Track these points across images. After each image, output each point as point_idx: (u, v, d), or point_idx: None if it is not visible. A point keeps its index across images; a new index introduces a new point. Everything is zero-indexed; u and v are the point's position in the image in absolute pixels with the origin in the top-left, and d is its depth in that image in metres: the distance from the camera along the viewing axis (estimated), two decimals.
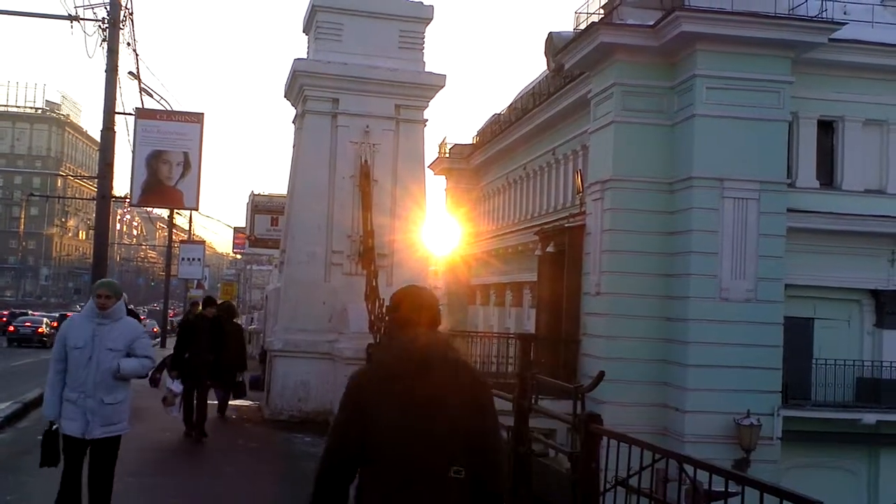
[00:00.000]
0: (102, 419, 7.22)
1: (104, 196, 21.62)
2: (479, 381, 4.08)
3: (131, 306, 16.01)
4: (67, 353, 7.33)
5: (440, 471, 3.75)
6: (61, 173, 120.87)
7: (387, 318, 4.27)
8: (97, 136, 23.31)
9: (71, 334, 7.43)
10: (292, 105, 20.63)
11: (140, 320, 16.28)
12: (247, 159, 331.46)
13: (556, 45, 26.22)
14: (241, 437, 13.89)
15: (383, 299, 15.31)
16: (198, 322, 14.35)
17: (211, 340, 14.12)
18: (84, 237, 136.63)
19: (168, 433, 13.86)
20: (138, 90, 28.25)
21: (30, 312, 59.20)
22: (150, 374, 13.28)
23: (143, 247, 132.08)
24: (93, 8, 20.92)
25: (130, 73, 27.07)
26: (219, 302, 18.10)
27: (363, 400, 3.84)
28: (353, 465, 3.85)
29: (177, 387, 13.42)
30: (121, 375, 7.34)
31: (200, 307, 15.62)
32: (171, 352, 14.79)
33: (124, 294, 17.18)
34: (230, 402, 17.04)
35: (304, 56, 19.56)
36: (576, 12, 25.79)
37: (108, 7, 20.75)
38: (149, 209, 49.79)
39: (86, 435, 7.18)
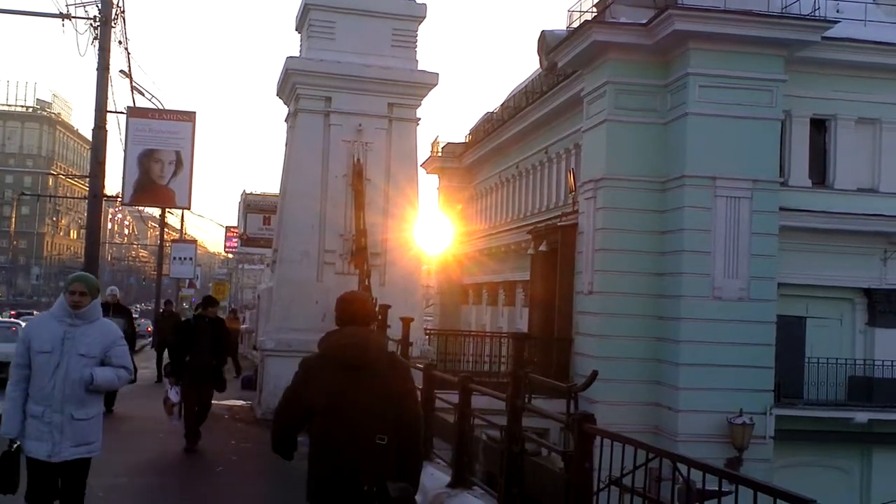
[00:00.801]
0: (72, 438, 6.27)
1: (96, 195, 21.54)
2: (399, 362, 5.42)
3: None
4: (32, 359, 6.34)
5: (369, 434, 4.95)
6: (53, 172, 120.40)
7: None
8: (89, 135, 23.25)
9: (36, 336, 6.42)
10: (284, 103, 20.56)
11: (132, 318, 16.11)
12: (239, 158, 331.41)
13: (549, 44, 26.21)
14: (234, 437, 13.79)
15: (376, 299, 15.27)
16: (198, 323, 13.23)
17: (213, 343, 12.95)
18: (75, 236, 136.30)
19: (161, 435, 13.53)
20: (130, 88, 28.28)
21: (35, 312, 59.03)
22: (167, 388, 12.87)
23: (135, 246, 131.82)
24: (84, 6, 20.87)
25: (122, 71, 27.10)
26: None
27: (309, 376, 5.14)
28: (298, 422, 5.16)
29: (174, 395, 12.49)
30: (94, 387, 6.36)
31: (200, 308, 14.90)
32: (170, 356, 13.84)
33: (117, 292, 15.76)
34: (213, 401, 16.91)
35: (297, 54, 19.47)
36: (568, 10, 25.86)
37: (99, 5, 20.68)
38: (140, 208, 49.68)
39: (52, 457, 6.22)
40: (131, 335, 15.69)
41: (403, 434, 5.08)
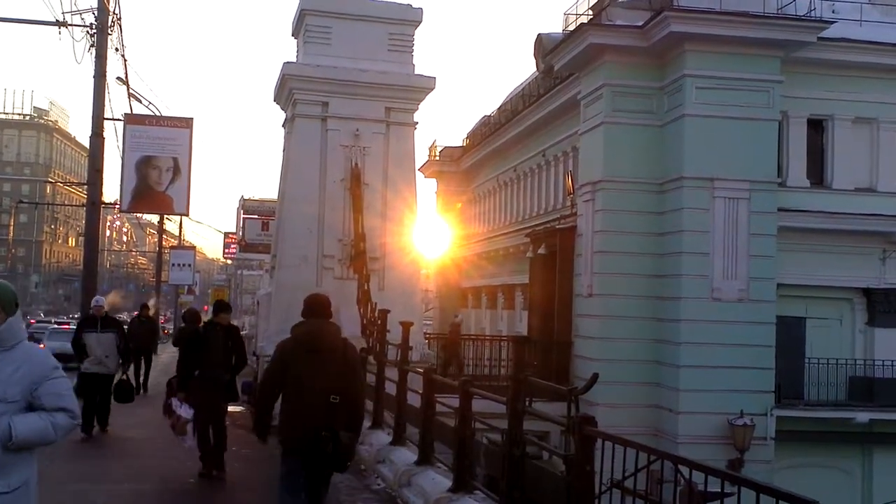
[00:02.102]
0: None
1: (94, 202, 21.58)
2: (351, 346, 7.25)
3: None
4: None
5: (325, 396, 6.82)
6: (50, 180, 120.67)
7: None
8: (86, 143, 23.27)
9: None
10: (282, 109, 20.58)
11: (124, 332, 14.98)
12: (237, 164, 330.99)
13: (546, 47, 26.23)
14: (234, 443, 13.74)
15: (375, 303, 15.28)
16: (208, 332, 11.41)
17: (226, 354, 11.20)
18: (74, 244, 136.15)
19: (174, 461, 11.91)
20: (127, 96, 28.24)
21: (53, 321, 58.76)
22: (165, 399, 11.53)
23: (134, 253, 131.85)
24: (80, 14, 20.89)
25: (119, 78, 27.05)
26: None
27: (284, 357, 7.06)
28: (277, 392, 7.06)
29: (186, 411, 11.08)
30: (15, 444, 4.34)
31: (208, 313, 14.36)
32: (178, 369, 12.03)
33: (103, 302, 14.35)
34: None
35: (294, 60, 19.50)
36: (565, 13, 25.81)
37: (95, 13, 20.70)
38: (139, 215, 49.65)
39: None
40: (125, 351, 14.69)
41: (350, 397, 6.97)
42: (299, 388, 6.86)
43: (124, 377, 15.01)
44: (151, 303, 28.56)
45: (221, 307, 12.09)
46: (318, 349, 6.96)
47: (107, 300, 16.18)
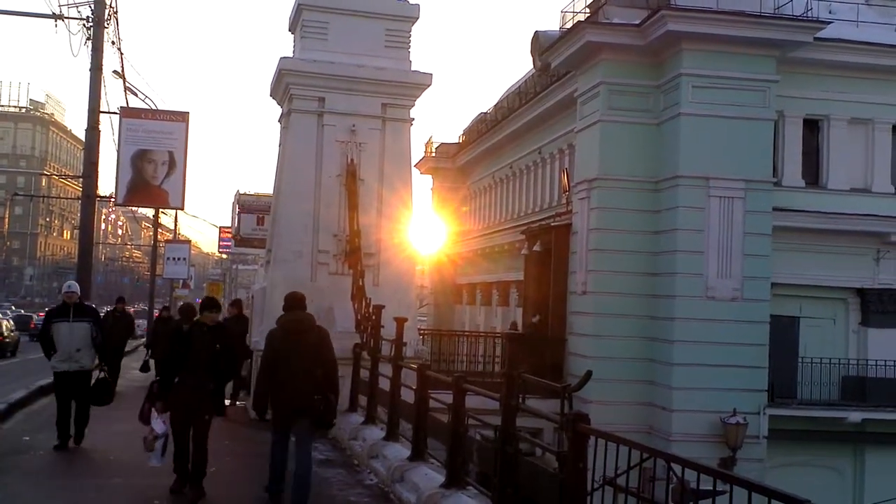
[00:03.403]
0: None
1: (89, 195, 21.53)
2: (325, 332, 9.30)
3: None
4: None
5: (307, 372, 8.83)
6: (46, 173, 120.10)
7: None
8: (82, 136, 23.21)
9: None
10: (278, 104, 20.56)
11: (99, 320, 12.72)
12: (232, 158, 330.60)
13: (543, 44, 26.23)
14: (227, 439, 13.69)
15: (370, 299, 15.28)
16: (194, 332, 9.75)
17: (212, 358, 9.57)
18: (69, 237, 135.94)
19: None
20: (123, 89, 28.21)
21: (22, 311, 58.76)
22: (143, 403, 9.92)
23: (129, 246, 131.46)
24: (77, 6, 20.85)
25: (115, 71, 27.08)
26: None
27: (274, 343, 9.06)
28: (273, 374, 8.90)
29: (159, 425, 9.53)
30: None
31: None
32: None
33: (76, 288, 12.56)
34: None
35: (290, 55, 19.48)
36: (562, 11, 25.84)
37: (92, 5, 20.67)
38: (134, 208, 49.61)
39: None
40: (101, 345, 12.31)
41: (326, 371, 9.01)
42: (287, 364, 8.85)
43: (102, 374, 12.52)
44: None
45: (208, 305, 10.27)
46: (300, 332, 9.03)
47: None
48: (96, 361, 12.46)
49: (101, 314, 20.96)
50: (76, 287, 12.62)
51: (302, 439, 9.04)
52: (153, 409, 9.68)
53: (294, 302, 9.33)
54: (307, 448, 9.08)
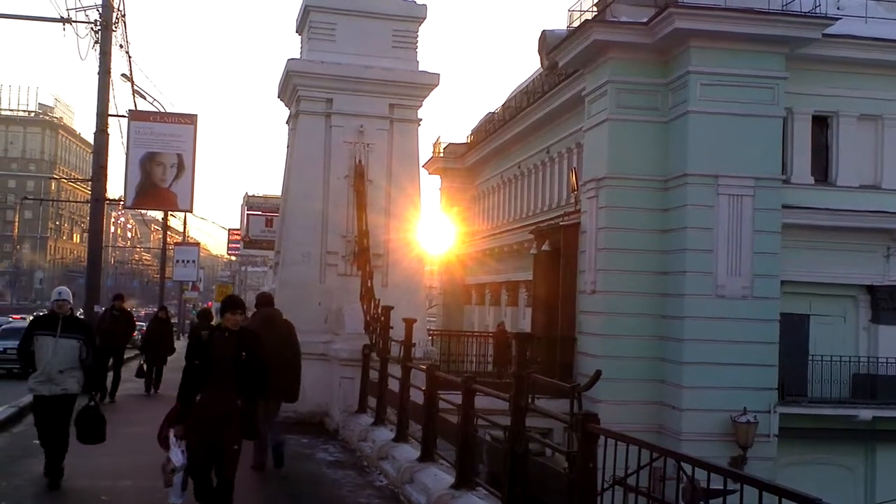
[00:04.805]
0: None
1: (98, 199, 21.61)
2: (290, 325, 11.49)
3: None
4: None
5: (282, 356, 10.47)
6: (55, 176, 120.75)
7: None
8: (90, 139, 23.29)
9: None
10: (286, 106, 20.55)
11: (92, 336, 10.21)
12: (241, 160, 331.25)
13: (550, 43, 26.20)
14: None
15: (379, 300, 15.25)
16: (215, 340, 8.14)
17: (237, 370, 7.99)
18: (79, 240, 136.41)
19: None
20: (131, 92, 28.29)
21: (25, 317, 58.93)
22: (161, 428, 8.35)
23: (138, 249, 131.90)
24: (85, 10, 20.92)
25: (123, 75, 27.11)
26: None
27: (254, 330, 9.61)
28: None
29: (177, 456, 8.00)
30: None
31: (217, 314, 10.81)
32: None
33: (68, 295, 10.10)
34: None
35: (298, 56, 19.47)
36: (569, 10, 25.87)
37: (100, 9, 20.72)
38: (143, 211, 49.72)
39: None
40: (92, 367, 10.08)
41: (294, 352, 11.25)
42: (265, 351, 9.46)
43: (92, 403, 10.04)
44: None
45: (229, 304, 8.46)
46: (273, 324, 11.04)
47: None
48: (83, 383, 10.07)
49: (100, 311, 19.72)
50: (68, 294, 10.33)
51: (274, 414, 11.26)
52: (173, 433, 8.12)
53: (265, 299, 11.78)
54: (277, 421, 11.44)
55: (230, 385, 7.94)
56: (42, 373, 9.73)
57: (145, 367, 20.74)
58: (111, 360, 18.73)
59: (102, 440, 10.03)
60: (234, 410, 7.94)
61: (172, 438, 8.06)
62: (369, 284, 16.35)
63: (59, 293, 10.27)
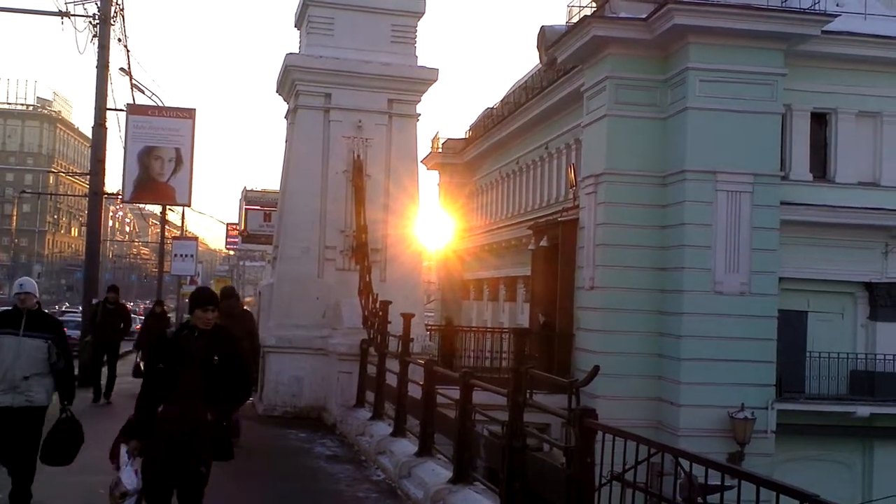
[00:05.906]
0: None
1: (96, 193, 21.63)
2: (249, 314, 14.52)
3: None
4: None
5: (242, 340, 9.85)
6: (53, 170, 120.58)
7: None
8: (89, 133, 23.27)
9: None
10: (284, 100, 20.54)
11: (63, 335, 8.45)
12: (239, 155, 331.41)
13: (549, 39, 26.18)
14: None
15: (377, 295, 15.26)
16: (182, 340, 6.86)
17: (209, 378, 6.69)
18: (77, 234, 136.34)
19: None
20: (130, 86, 28.32)
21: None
22: (114, 443, 6.85)
23: (136, 243, 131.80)
24: (83, 4, 20.91)
25: (122, 69, 27.10)
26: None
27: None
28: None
29: (129, 478, 6.57)
30: None
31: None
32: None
33: (33, 289, 8.33)
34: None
35: (296, 51, 19.46)
36: (568, 6, 25.83)
37: (98, 3, 20.71)
38: (141, 205, 49.62)
39: None
40: (64, 370, 8.29)
41: (252, 340, 13.06)
42: None
43: (65, 415, 8.26)
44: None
45: (200, 299, 6.97)
46: (231, 315, 11.81)
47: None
48: (55, 395, 8.39)
49: (94, 303, 18.73)
50: (32, 286, 8.55)
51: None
52: (125, 449, 6.69)
53: (227, 291, 13.16)
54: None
55: (198, 394, 6.62)
56: (3, 379, 8.04)
57: (142, 365, 19.42)
58: (105, 357, 18.13)
59: (69, 462, 8.32)
60: (203, 425, 6.62)
61: (124, 456, 6.63)
62: (367, 279, 16.36)
63: (21, 285, 8.50)
